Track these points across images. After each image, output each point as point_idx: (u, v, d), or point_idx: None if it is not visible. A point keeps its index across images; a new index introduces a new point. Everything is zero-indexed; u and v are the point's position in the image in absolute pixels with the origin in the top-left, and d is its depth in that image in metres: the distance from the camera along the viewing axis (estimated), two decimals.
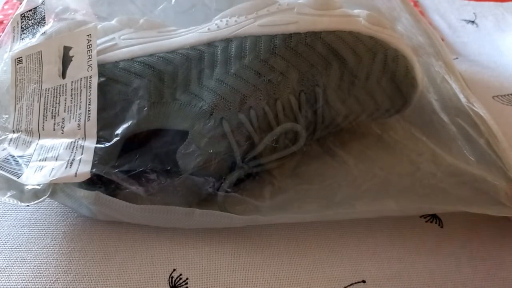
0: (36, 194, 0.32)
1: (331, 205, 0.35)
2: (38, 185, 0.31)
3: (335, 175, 0.37)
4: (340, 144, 0.39)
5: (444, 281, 0.34)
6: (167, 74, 0.35)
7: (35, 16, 0.40)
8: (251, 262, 0.35)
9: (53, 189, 0.31)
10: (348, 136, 0.39)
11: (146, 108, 0.34)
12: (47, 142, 0.35)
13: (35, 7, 0.40)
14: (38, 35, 0.38)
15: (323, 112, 0.37)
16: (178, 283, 0.33)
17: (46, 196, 0.31)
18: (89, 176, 0.31)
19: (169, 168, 0.35)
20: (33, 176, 0.32)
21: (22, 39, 0.39)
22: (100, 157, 0.33)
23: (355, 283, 0.34)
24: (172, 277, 0.34)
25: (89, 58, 0.36)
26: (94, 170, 0.31)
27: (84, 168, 0.32)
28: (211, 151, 0.34)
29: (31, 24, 0.39)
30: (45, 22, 0.38)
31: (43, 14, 0.39)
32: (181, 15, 0.40)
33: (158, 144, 0.35)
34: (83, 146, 0.33)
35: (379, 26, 0.37)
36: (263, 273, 0.34)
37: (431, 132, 0.38)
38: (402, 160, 0.37)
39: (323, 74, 0.36)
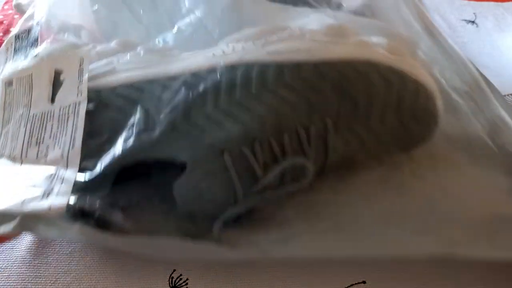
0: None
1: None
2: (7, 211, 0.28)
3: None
4: (353, 183, 0.34)
5: None
6: (165, 101, 0.32)
7: (29, 37, 0.38)
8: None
9: (23, 220, 0.28)
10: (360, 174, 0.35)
11: (141, 137, 0.31)
12: (28, 169, 0.32)
13: (30, 28, 0.38)
14: (30, 57, 0.36)
15: (334, 146, 0.33)
16: (178, 283, 0.32)
17: (13, 227, 0.28)
18: (63, 211, 0.27)
19: (164, 201, 0.31)
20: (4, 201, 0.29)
21: (15, 61, 0.37)
22: (84, 188, 0.30)
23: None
24: (172, 278, 0.33)
25: (80, 83, 0.33)
26: (72, 202, 0.28)
27: (60, 200, 0.29)
28: (211, 184, 0.30)
29: (24, 46, 0.37)
30: (38, 44, 0.36)
31: (37, 35, 0.37)
32: (183, 41, 0.38)
33: (153, 175, 0.32)
34: (63, 176, 0.30)
35: (399, 54, 0.34)
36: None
37: None
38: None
39: (335, 106, 0.32)
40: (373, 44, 0.33)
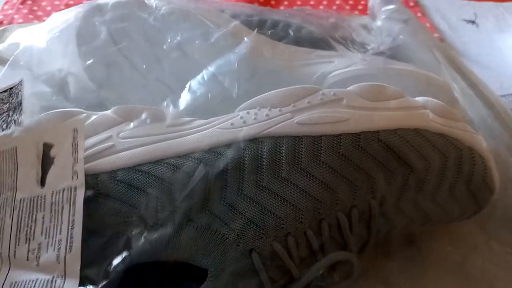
0: None
1: None
2: None
3: None
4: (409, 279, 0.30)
5: None
6: (177, 187, 0.27)
7: (10, 99, 0.32)
8: None
9: None
10: (417, 267, 0.31)
11: (150, 234, 0.26)
12: (18, 276, 0.27)
13: (11, 87, 0.33)
14: (13, 125, 0.31)
15: (378, 226, 0.29)
16: None
17: None
18: None
19: None
20: None
21: None
22: None
23: None
24: None
25: (75, 161, 0.28)
26: None
27: None
28: None
29: (5, 110, 0.32)
30: (22, 108, 0.31)
31: (20, 98, 0.32)
32: (197, 102, 0.33)
33: (165, 283, 0.27)
34: None
35: (450, 118, 0.29)
36: None
37: None
38: None
39: (381, 184, 0.28)
40: (419, 107, 0.29)
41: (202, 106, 0.32)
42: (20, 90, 0.32)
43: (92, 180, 0.27)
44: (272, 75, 0.35)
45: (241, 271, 0.26)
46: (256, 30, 0.36)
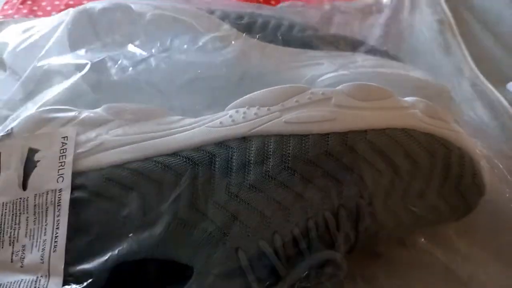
0: None
1: None
2: None
3: None
4: (396, 280, 0.30)
5: None
6: (166, 185, 0.27)
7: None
8: None
9: None
10: (404, 266, 0.31)
11: (137, 233, 0.26)
12: (2, 278, 0.26)
13: None
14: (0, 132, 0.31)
15: (366, 225, 0.29)
16: None
17: None
18: None
19: None
20: None
21: None
22: None
23: None
24: None
25: (61, 165, 0.28)
26: None
27: None
28: None
29: None
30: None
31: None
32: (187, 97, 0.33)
33: (151, 282, 0.27)
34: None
35: (439, 119, 0.29)
36: None
37: None
38: None
39: (369, 184, 0.28)
40: (407, 107, 0.29)
41: (191, 109, 0.32)
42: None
43: (81, 178, 0.27)
44: (261, 79, 0.35)
45: (227, 269, 0.26)
46: (244, 34, 0.37)
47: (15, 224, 0.27)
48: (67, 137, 0.29)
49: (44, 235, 0.27)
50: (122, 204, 0.27)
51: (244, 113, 0.29)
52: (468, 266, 0.30)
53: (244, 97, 0.30)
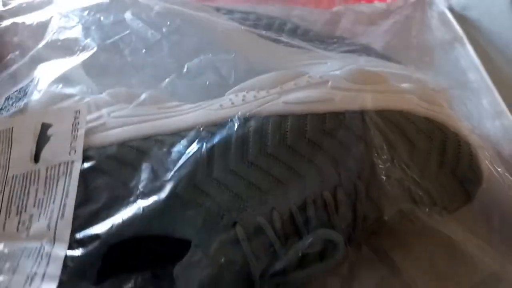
0: None
1: None
2: None
3: None
4: (400, 250, 0.31)
5: None
6: (166, 162, 0.28)
7: (19, 94, 0.34)
8: None
9: None
10: (409, 238, 0.31)
11: (138, 208, 0.27)
12: (6, 247, 0.28)
13: (22, 87, 0.35)
14: (13, 110, 0.33)
15: (364, 210, 0.30)
16: None
17: None
18: None
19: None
20: None
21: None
22: (73, 270, 0.26)
23: None
24: None
25: (74, 139, 0.30)
26: None
27: (47, 286, 0.25)
28: (222, 261, 0.27)
29: (11, 104, 0.34)
30: (26, 96, 0.33)
31: (27, 90, 0.34)
32: (193, 91, 0.34)
33: (151, 255, 0.28)
34: (50, 253, 0.26)
35: (436, 104, 0.30)
36: None
37: None
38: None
39: (366, 164, 0.29)
40: (404, 91, 0.30)
41: (198, 92, 0.34)
42: (29, 85, 0.34)
43: (84, 154, 0.29)
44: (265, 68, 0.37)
45: (225, 243, 0.27)
46: (250, 31, 0.38)
47: (24, 195, 0.29)
48: (79, 110, 0.31)
49: (53, 203, 0.28)
50: (122, 180, 0.28)
51: (244, 96, 0.30)
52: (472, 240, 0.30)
53: (244, 82, 0.31)
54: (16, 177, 0.30)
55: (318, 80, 0.30)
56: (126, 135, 0.29)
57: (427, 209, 0.30)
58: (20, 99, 0.33)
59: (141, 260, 0.29)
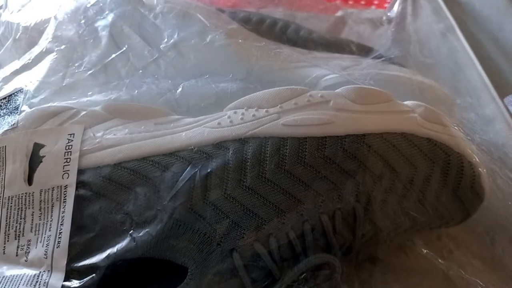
0: None
1: None
2: None
3: None
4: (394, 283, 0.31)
5: None
6: (163, 185, 0.28)
7: (8, 105, 0.34)
8: None
9: None
10: (403, 271, 0.32)
11: (135, 232, 0.28)
12: (6, 271, 0.29)
13: (10, 95, 0.35)
14: (6, 126, 0.32)
15: (363, 230, 0.30)
16: None
17: None
18: None
19: None
20: None
21: None
22: None
23: None
24: None
25: (67, 162, 0.30)
26: None
27: None
28: None
29: (1, 115, 0.33)
30: (18, 111, 0.33)
31: (18, 103, 0.33)
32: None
33: (145, 283, 0.29)
34: (47, 283, 0.27)
35: (439, 123, 0.30)
36: None
37: None
38: None
39: (366, 187, 0.29)
40: (407, 111, 0.30)
41: (196, 105, 0.34)
42: (19, 97, 0.34)
43: (81, 176, 0.29)
44: (266, 77, 0.36)
45: (222, 270, 0.27)
46: (252, 31, 0.38)
47: (21, 219, 0.29)
48: (73, 134, 0.30)
49: (49, 230, 0.29)
50: (119, 203, 0.28)
51: (242, 114, 0.30)
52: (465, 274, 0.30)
53: (243, 98, 0.31)
54: (11, 198, 0.30)
55: (319, 100, 0.30)
56: (122, 155, 0.29)
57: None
58: (11, 112, 0.33)
59: (138, 283, 0.30)
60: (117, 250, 0.27)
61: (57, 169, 0.30)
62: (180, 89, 0.34)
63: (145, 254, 0.28)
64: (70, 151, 0.30)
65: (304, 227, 0.28)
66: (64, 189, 0.29)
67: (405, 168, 0.29)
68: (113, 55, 0.35)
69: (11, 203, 0.30)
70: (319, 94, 0.30)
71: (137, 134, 0.30)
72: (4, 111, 0.33)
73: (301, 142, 0.29)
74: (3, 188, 0.31)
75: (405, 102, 0.31)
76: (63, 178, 0.29)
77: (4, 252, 0.29)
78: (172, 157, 0.29)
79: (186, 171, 0.29)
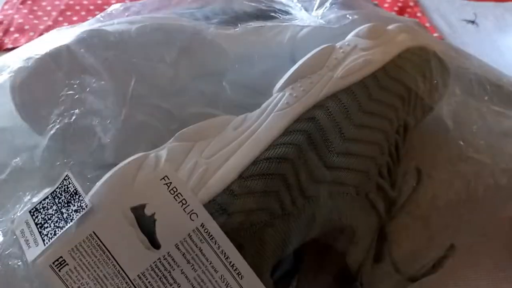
0: None
1: None
2: None
3: None
4: None
5: None
6: (288, 176, 0.29)
7: (56, 200, 0.28)
8: None
9: None
10: None
11: (286, 222, 0.29)
12: None
13: (54, 190, 0.29)
14: (74, 216, 0.27)
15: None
16: None
17: None
18: None
19: None
20: None
21: (43, 239, 0.28)
22: None
23: None
24: None
25: (183, 204, 0.28)
26: None
27: None
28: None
29: (55, 211, 0.28)
30: (80, 196, 0.28)
31: (72, 188, 0.28)
32: None
33: None
34: None
35: (413, 33, 0.39)
36: None
37: None
38: None
39: (411, 103, 0.36)
40: (400, 31, 0.37)
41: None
42: (69, 183, 0.28)
43: (214, 205, 0.28)
44: (254, 56, 0.38)
45: (365, 212, 0.31)
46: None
47: (171, 285, 0.27)
48: (166, 176, 0.28)
49: (216, 272, 0.27)
50: (263, 208, 0.28)
51: (300, 86, 0.33)
52: None
53: (287, 75, 0.33)
54: (143, 275, 0.27)
55: (349, 48, 0.35)
56: (237, 169, 0.29)
57: None
58: (67, 201, 0.28)
59: None
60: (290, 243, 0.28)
61: (180, 217, 0.27)
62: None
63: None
64: (178, 193, 0.28)
65: (390, 150, 0.34)
66: (203, 227, 0.27)
67: (428, 73, 0.37)
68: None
69: (145, 281, 0.27)
70: (346, 43, 0.35)
71: (229, 146, 0.30)
72: (55, 207, 0.28)
73: (362, 84, 0.33)
74: (123, 274, 0.27)
75: (389, 27, 0.38)
76: (192, 220, 0.27)
77: None
78: (274, 148, 0.30)
79: (296, 152, 0.30)
